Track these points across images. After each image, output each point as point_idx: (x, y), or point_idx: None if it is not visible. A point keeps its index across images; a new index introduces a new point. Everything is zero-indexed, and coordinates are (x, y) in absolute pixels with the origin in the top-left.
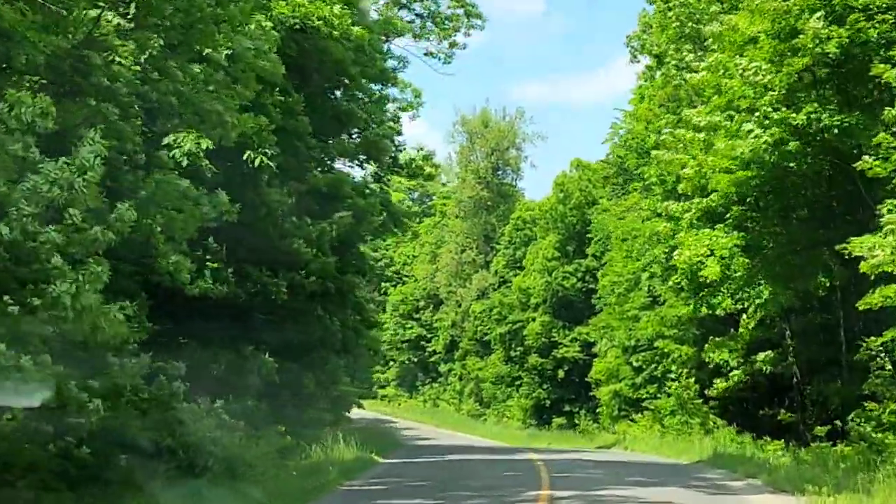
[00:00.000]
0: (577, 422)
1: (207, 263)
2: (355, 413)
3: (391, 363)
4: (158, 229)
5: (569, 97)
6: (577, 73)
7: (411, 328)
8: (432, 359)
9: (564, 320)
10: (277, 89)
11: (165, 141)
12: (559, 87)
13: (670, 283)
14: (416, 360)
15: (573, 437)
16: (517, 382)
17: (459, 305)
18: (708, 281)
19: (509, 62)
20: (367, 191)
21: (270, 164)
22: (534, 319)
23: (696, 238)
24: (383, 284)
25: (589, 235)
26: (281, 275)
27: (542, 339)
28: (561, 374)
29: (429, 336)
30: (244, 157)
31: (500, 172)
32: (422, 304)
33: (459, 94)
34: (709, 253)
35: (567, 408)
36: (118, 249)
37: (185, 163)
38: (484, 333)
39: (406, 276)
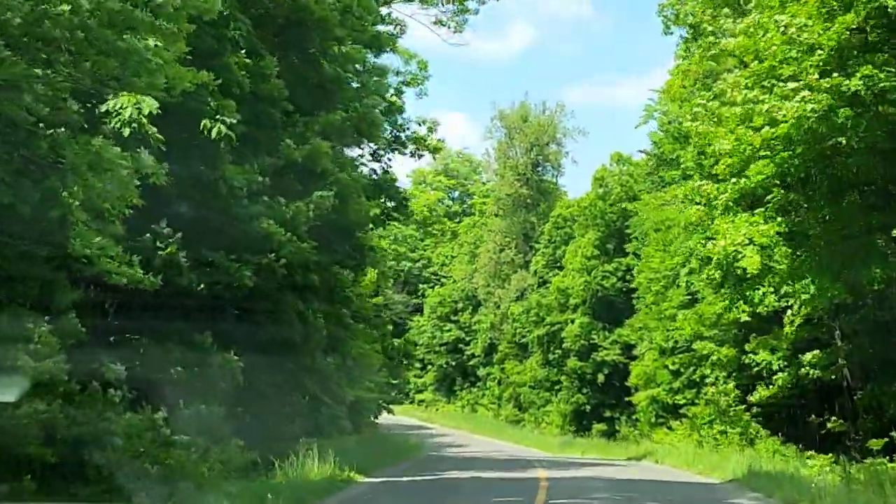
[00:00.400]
0: (617, 428)
1: (159, 251)
2: (385, 419)
3: (429, 367)
4: (76, 203)
5: (613, 96)
6: (623, 75)
7: (449, 331)
8: (471, 363)
9: (604, 322)
10: (244, 50)
11: (104, 108)
12: (603, 89)
13: (704, 275)
14: (454, 363)
15: (608, 447)
16: (556, 387)
17: (498, 307)
18: (748, 274)
19: (553, 63)
20: (356, 168)
21: (231, 133)
22: (573, 321)
23: (733, 224)
24: (421, 286)
25: (629, 232)
26: (246, 260)
27: (581, 341)
28: (601, 378)
29: (467, 339)
30: (200, 127)
31: (539, 169)
32: (460, 305)
33: (501, 96)
34: (747, 242)
35: (607, 413)
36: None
37: (127, 132)
38: (522, 336)
39: (444, 277)
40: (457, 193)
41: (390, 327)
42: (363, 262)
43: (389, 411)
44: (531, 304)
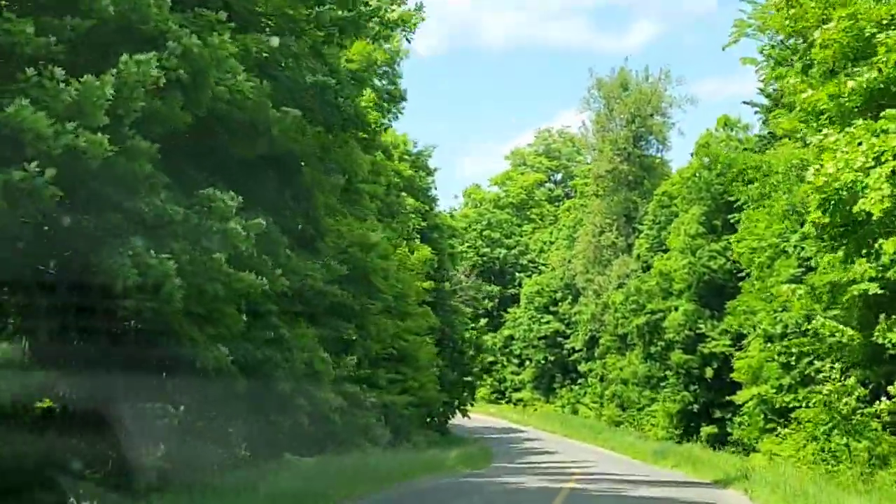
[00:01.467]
0: (729, 431)
1: None
2: (471, 421)
3: (526, 363)
4: None
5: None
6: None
7: (547, 323)
8: (571, 358)
9: (712, 308)
10: None
11: None
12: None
13: (808, 222)
14: (553, 358)
15: (710, 459)
16: (662, 384)
17: (598, 296)
18: (872, 218)
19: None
20: None
21: None
22: (676, 308)
23: (848, 137)
24: (517, 275)
25: (734, 199)
26: None
27: (685, 331)
28: (709, 372)
29: (567, 332)
30: None
31: (642, 142)
32: (559, 295)
33: None
34: (871, 163)
35: (717, 414)
36: None
37: None
38: (623, 327)
39: (542, 264)
40: (559, 176)
41: (456, 316)
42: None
43: (463, 413)
44: (630, 291)
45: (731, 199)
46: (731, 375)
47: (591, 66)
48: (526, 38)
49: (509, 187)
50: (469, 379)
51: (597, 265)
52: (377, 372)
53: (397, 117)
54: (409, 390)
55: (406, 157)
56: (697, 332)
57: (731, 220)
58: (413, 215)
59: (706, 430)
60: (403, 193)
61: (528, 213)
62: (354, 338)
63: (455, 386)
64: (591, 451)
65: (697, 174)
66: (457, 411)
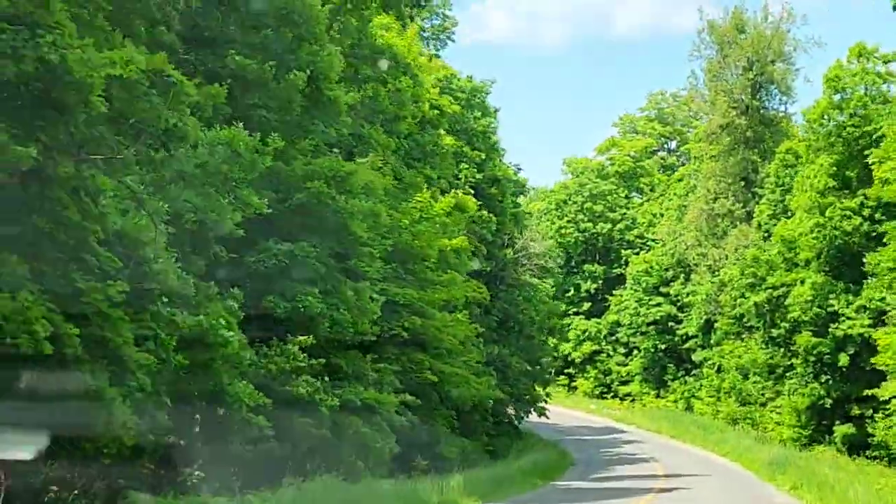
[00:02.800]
0: (870, 432)
1: None
2: (550, 422)
3: (634, 352)
4: None
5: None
6: None
7: (658, 305)
8: (685, 345)
9: (846, 280)
10: None
11: None
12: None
13: None
14: (664, 346)
15: (842, 481)
16: (786, 375)
17: (714, 273)
18: None
19: None
20: None
21: None
22: (802, 282)
23: None
24: (623, 252)
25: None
26: None
27: (814, 308)
28: (844, 359)
29: (679, 316)
30: None
31: (761, 93)
32: (670, 274)
33: None
34: None
35: (856, 411)
36: None
37: None
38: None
39: (652, 240)
40: (673, 144)
41: (522, 290)
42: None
43: (539, 412)
44: (746, 263)
45: (868, 142)
46: (873, 361)
47: (700, 6)
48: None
49: (615, 155)
50: (539, 368)
51: (711, 237)
52: (355, 359)
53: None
54: (423, 384)
55: (455, 92)
56: (829, 309)
57: (871, 164)
58: (465, 166)
59: (841, 430)
60: (442, 132)
61: (637, 183)
62: (318, 310)
63: (521, 378)
64: (697, 460)
65: (825, 116)
66: (532, 410)
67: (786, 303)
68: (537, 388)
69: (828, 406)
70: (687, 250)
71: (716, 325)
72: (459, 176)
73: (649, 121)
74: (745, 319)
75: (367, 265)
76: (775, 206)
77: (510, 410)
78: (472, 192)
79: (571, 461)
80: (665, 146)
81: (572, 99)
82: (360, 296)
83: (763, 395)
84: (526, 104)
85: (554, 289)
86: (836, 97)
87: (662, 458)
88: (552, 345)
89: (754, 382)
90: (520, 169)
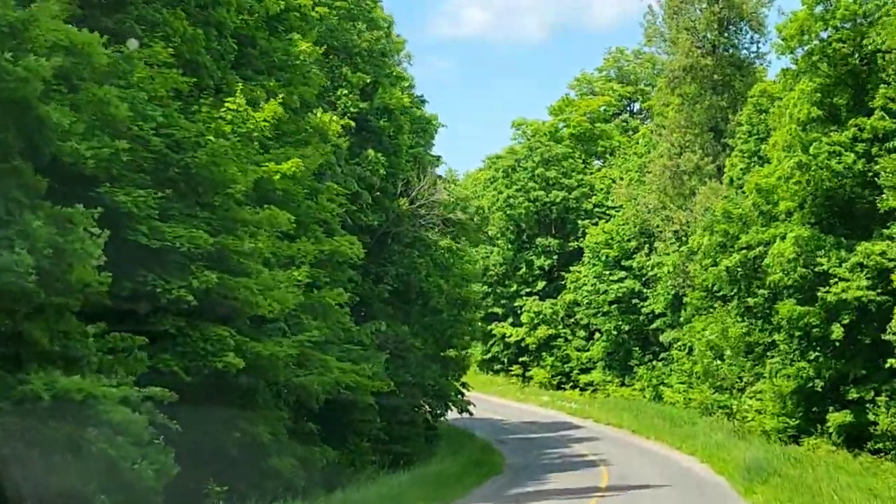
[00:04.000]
0: (873, 419)
1: None
2: (494, 416)
3: (595, 335)
4: None
5: None
6: None
7: (620, 281)
8: (652, 325)
9: (838, 234)
10: None
11: None
12: None
13: None
14: (628, 328)
15: (839, 487)
16: (768, 353)
17: (681, 240)
18: None
19: None
20: None
21: None
22: (783, 237)
23: None
24: (580, 223)
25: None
26: None
27: (798, 269)
28: (837, 331)
29: (645, 292)
30: None
31: (730, 30)
32: (633, 245)
33: None
34: None
35: (853, 394)
36: None
37: None
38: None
39: (612, 209)
40: (637, 106)
41: (425, 254)
42: None
43: (460, 407)
44: (715, 219)
45: (861, 60)
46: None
47: None
48: None
49: (570, 117)
50: (453, 352)
51: (676, 198)
52: (64, 330)
53: None
54: (221, 371)
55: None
56: (817, 269)
57: (866, 98)
58: (344, 91)
59: (836, 418)
60: (298, 36)
61: (595, 147)
62: None
63: (429, 365)
64: (657, 462)
65: (806, 29)
66: (450, 405)
67: (763, 264)
68: (451, 377)
69: (819, 389)
70: (649, 214)
71: (685, 300)
72: (337, 104)
73: (608, 81)
74: (716, 289)
75: (102, 190)
76: (749, 158)
77: (426, 407)
78: (353, 123)
79: (498, 469)
80: (627, 108)
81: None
82: (64, 233)
83: (741, 378)
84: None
85: (503, 266)
86: (818, 8)
87: (614, 461)
88: (473, 322)
89: (730, 365)
90: (424, 101)
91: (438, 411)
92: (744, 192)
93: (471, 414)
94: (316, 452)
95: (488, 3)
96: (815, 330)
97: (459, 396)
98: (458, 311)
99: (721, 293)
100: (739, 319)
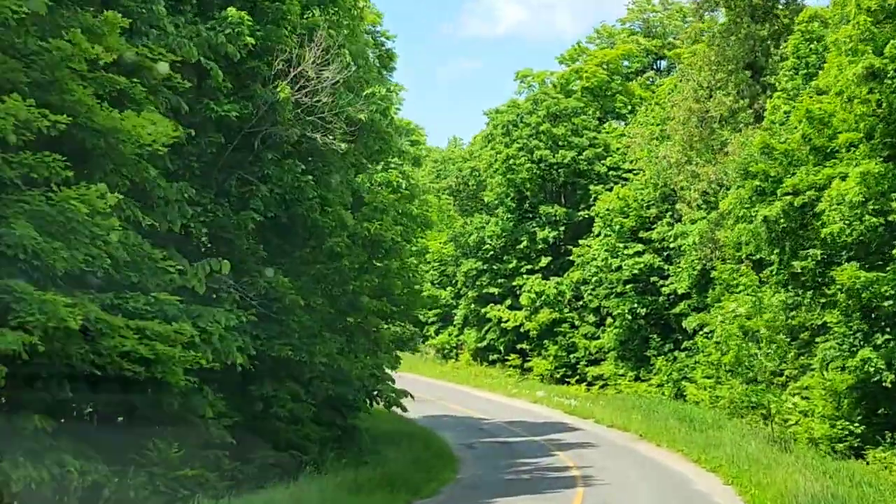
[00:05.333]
0: None
1: None
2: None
3: (607, 320)
4: None
5: None
6: None
7: (637, 255)
8: (674, 308)
9: None
10: None
11: None
12: None
13: None
14: (645, 311)
15: None
16: (819, 337)
17: (708, 202)
18: None
19: None
20: None
21: None
22: (843, 177)
23: None
24: (592, 188)
25: None
26: None
27: (864, 220)
28: None
29: (666, 269)
30: None
31: None
32: (653, 212)
33: None
34: None
35: None
36: None
37: None
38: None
39: (630, 171)
40: (663, 63)
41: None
42: None
43: (388, 402)
44: (751, 158)
45: None
46: None
47: None
48: None
49: (584, 66)
50: (356, 321)
51: (705, 150)
52: None
53: None
54: None
55: None
56: (891, 219)
57: None
58: None
59: None
60: None
61: (612, 103)
62: None
63: (322, 336)
64: (659, 483)
65: None
66: (377, 396)
67: (815, 217)
68: (362, 353)
69: (889, 385)
70: (670, 171)
71: (713, 275)
72: None
73: (632, 34)
74: (750, 250)
75: None
76: (795, 99)
77: (324, 395)
78: None
79: (432, 489)
80: (653, 66)
81: None
82: None
83: (782, 371)
84: None
85: (501, 239)
86: None
87: (601, 479)
88: (412, 280)
89: (767, 353)
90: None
91: (353, 402)
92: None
93: (404, 409)
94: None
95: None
96: (886, 304)
97: (387, 384)
98: (368, 257)
99: (758, 255)
100: (782, 291)
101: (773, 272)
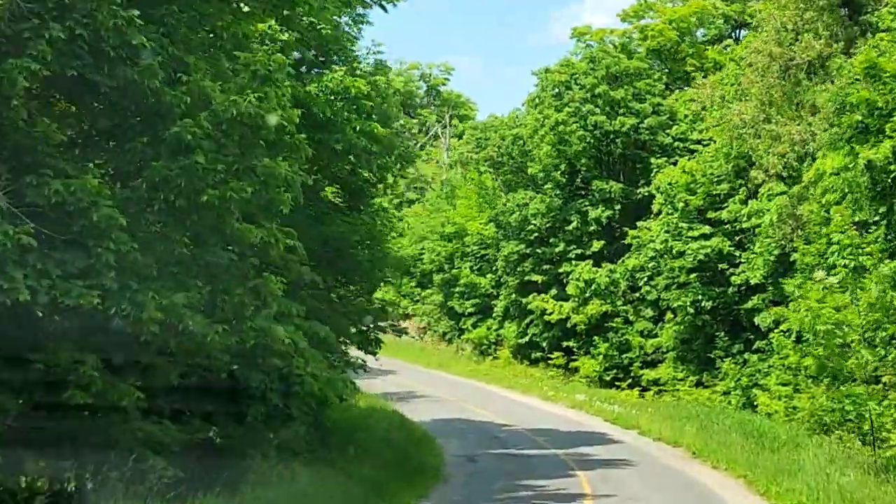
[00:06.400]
0: None
1: None
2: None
3: (667, 315)
4: None
5: None
6: None
7: (704, 239)
8: (745, 303)
9: None
10: None
11: None
12: None
13: None
14: (710, 305)
15: None
16: None
17: (790, 174)
18: None
19: None
20: None
21: None
22: None
23: None
24: (653, 161)
25: None
26: None
27: None
28: None
29: (737, 256)
30: None
31: None
32: (724, 188)
33: None
34: None
35: None
36: None
37: None
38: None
39: (698, 142)
40: (743, 33)
41: None
42: None
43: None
44: (847, 89)
45: None
46: None
47: None
48: None
49: (649, 25)
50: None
51: (787, 106)
52: None
53: None
54: None
55: None
56: None
57: None
58: None
59: None
60: None
61: (681, 67)
62: None
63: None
64: None
65: None
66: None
67: None
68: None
69: None
70: (745, 131)
71: (794, 257)
72: None
73: None
74: (844, 211)
75: None
76: None
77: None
78: None
79: None
80: (732, 34)
81: None
82: None
83: (878, 378)
84: None
85: (547, 219)
86: None
87: None
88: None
89: (857, 354)
90: None
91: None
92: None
93: (342, 400)
94: None
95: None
96: None
97: (302, 367)
98: (242, 153)
99: (856, 216)
100: (888, 263)
101: (877, 238)
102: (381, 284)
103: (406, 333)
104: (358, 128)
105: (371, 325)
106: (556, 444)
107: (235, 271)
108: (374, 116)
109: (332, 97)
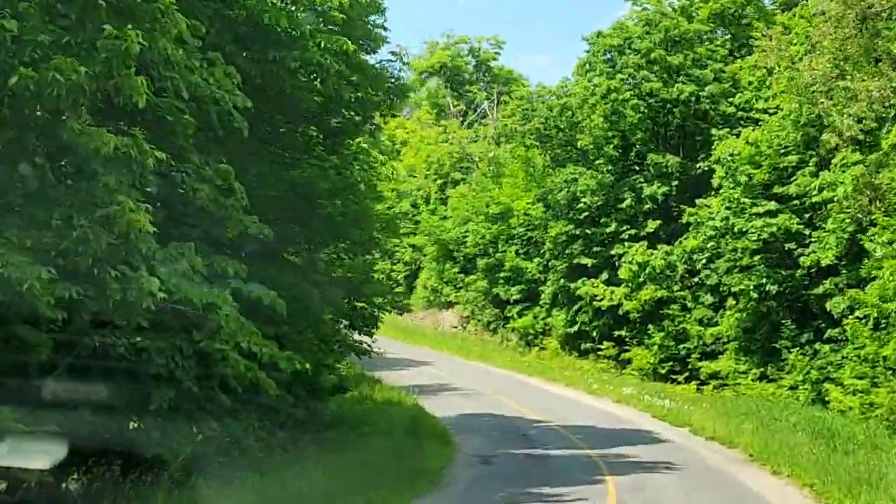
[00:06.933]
0: None
1: None
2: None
3: (729, 301)
4: None
5: None
6: None
7: (769, 216)
8: (815, 288)
9: None
10: None
11: None
12: None
13: None
14: (776, 290)
15: None
16: None
17: (868, 140)
18: None
19: None
20: None
21: None
22: None
23: None
24: (714, 132)
25: None
26: None
27: None
28: None
29: (806, 234)
30: None
31: None
32: (793, 159)
33: None
34: None
35: None
36: None
37: None
38: None
39: (765, 111)
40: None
41: None
42: None
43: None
44: None
45: None
46: None
47: None
48: None
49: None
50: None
51: (865, 61)
52: None
53: None
54: None
55: None
56: None
57: None
58: None
59: None
60: None
61: (746, 33)
62: None
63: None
64: None
65: None
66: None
67: None
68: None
69: None
70: (816, 88)
71: (871, 233)
72: None
73: None
74: None
75: None
76: None
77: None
78: None
79: None
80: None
81: None
82: None
83: None
84: None
85: (598, 197)
86: None
87: None
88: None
89: None
90: None
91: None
92: None
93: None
94: None
95: None
96: None
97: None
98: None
99: None
100: None
101: None
102: (373, 251)
103: (409, 311)
104: (323, 44)
105: (351, 299)
106: (591, 443)
107: (80, 195)
108: (351, 34)
109: (291, 4)
